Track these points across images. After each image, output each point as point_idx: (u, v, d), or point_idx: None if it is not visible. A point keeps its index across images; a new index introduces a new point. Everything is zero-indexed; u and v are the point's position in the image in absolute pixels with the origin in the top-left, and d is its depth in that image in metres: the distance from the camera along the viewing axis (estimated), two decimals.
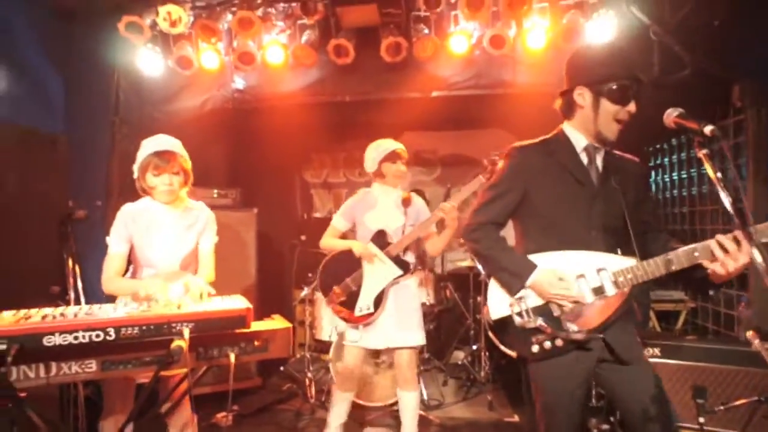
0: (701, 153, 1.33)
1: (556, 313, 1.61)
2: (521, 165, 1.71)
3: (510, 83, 3.54)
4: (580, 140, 1.69)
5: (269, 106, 3.77)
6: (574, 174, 1.65)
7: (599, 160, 1.70)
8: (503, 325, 1.69)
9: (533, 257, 1.66)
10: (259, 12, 3.30)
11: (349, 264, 2.71)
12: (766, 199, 3.14)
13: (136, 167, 2.15)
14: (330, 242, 2.78)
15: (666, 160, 4.36)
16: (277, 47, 3.36)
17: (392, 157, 2.69)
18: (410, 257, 2.72)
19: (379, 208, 2.74)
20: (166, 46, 3.46)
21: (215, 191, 3.82)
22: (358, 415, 3.30)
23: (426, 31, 3.32)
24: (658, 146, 4.47)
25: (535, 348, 1.61)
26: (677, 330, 3.65)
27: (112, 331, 1.58)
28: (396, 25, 3.30)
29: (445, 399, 3.63)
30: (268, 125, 4.15)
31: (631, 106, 1.58)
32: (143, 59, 3.48)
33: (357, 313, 2.63)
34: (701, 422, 2.59)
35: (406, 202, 2.70)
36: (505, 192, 1.72)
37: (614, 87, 1.57)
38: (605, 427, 3.03)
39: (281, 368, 4.00)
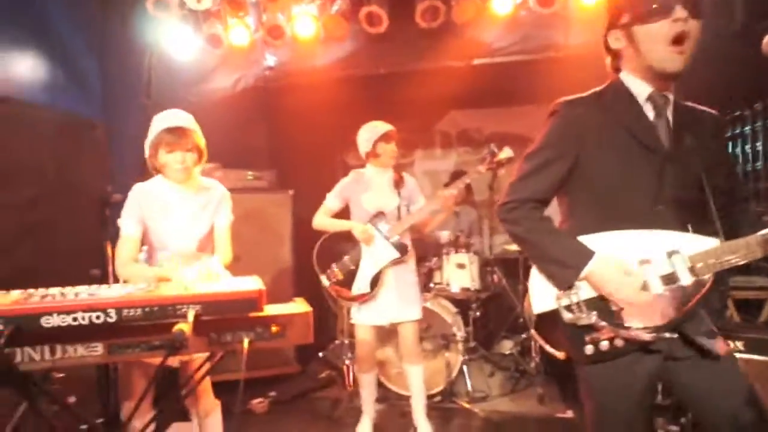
0: None
1: (616, 307, 1.31)
2: (571, 125, 1.38)
3: (562, 46, 3.19)
4: (642, 89, 1.36)
5: (302, 83, 3.61)
6: (638, 135, 1.33)
7: (669, 114, 1.35)
8: (549, 320, 1.39)
9: (585, 239, 1.35)
10: None
11: (346, 243, 2.74)
12: None
13: (147, 144, 2.05)
14: (325, 221, 2.77)
15: (748, 128, 3.84)
16: (307, 18, 3.19)
17: (386, 137, 2.71)
18: (406, 239, 2.75)
19: (374, 189, 2.76)
20: (197, 24, 3.37)
21: (250, 173, 3.73)
22: (399, 405, 3.14)
23: None
24: (737, 113, 3.94)
25: (589, 349, 1.32)
26: (762, 321, 3.20)
27: (113, 313, 1.46)
28: None
29: (492, 391, 3.38)
30: (303, 104, 4.00)
31: (678, 12, 1.22)
32: (174, 39, 3.41)
33: (354, 292, 2.66)
34: None
35: (399, 183, 2.76)
36: (551, 160, 1.39)
37: (636, 6, 1.28)
38: (674, 428, 2.69)
39: (320, 354, 3.89)
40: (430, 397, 3.09)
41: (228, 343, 1.64)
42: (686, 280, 1.27)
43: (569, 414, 3.01)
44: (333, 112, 4.26)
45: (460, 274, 3.57)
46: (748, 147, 3.83)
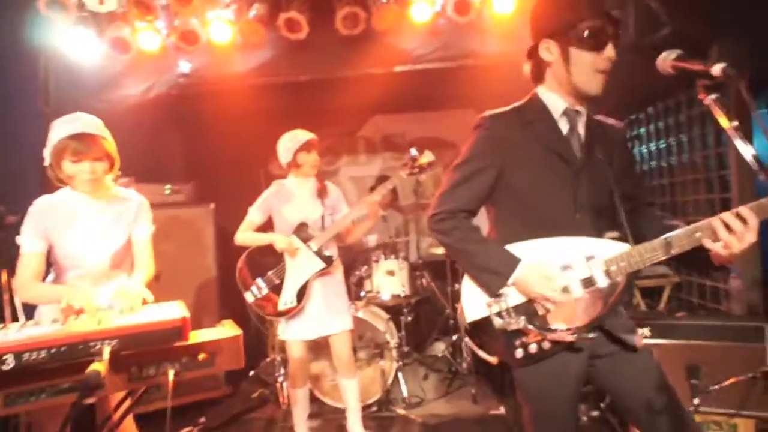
0: (709, 99, 1.13)
1: (542, 311, 1.39)
2: (495, 138, 1.44)
3: (478, 53, 3.29)
4: (557, 104, 1.44)
5: (219, 90, 3.44)
6: (555, 148, 1.42)
7: (581, 127, 1.45)
8: (481, 327, 1.44)
9: (512, 247, 1.42)
10: None
11: (270, 257, 2.66)
12: (749, 167, 3.00)
13: (47, 153, 1.82)
14: (248, 237, 2.68)
15: (642, 130, 4.22)
16: (222, 23, 3.05)
17: (307, 146, 2.66)
18: (332, 250, 2.72)
19: (296, 199, 2.70)
20: (99, 27, 3.10)
21: (167, 187, 3.50)
22: (335, 419, 3.08)
23: None
24: (633, 116, 4.31)
25: (520, 352, 1.39)
26: (663, 307, 3.52)
27: (10, 359, 1.29)
28: None
29: (427, 395, 3.43)
30: (221, 113, 3.82)
31: (609, 51, 1.34)
32: (74, 43, 3.12)
33: (281, 306, 2.58)
34: (696, 403, 2.46)
35: (321, 192, 2.71)
36: (477, 171, 1.45)
37: (583, 31, 1.32)
38: (594, 413, 2.89)
39: (251, 373, 3.74)
40: (366, 407, 3.08)
41: (151, 377, 1.51)
42: (602, 282, 1.36)
43: (501, 410, 3.12)
44: (253, 121, 4.12)
45: (390, 281, 3.58)
46: (644, 147, 4.21)
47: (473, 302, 1.46)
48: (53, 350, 1.33)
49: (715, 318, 2.60)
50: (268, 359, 3.72)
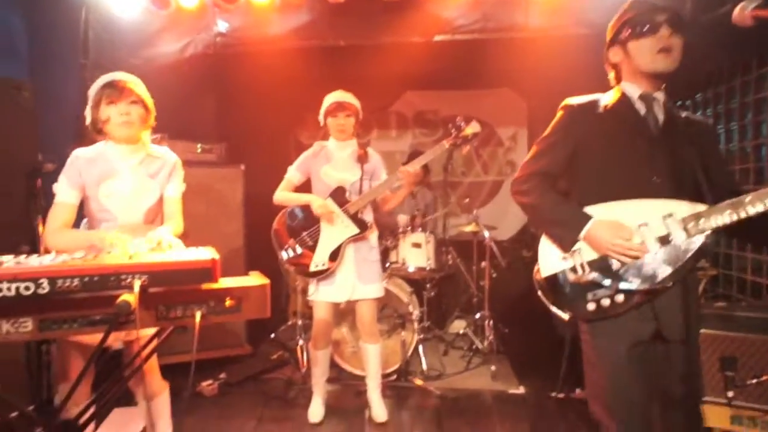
0: None
1: (615, 266, 1.45)
2: (573, 118, 1.61)
3: (522, 26, 3.17)
4: (634, 91, 1.57)
5: (255, 52, 3.41)
6: (629, 122, 1.54)
7: (659, 112, 1.55)
8: (555, 282, 1.54)
9: (587, 209, 1.52)
10: None
11: (306, 218, 2.65)
12: None
13: (88, 109, 1.88)
14: (285, 196, 2.66)
15: None
16: None
17: (332, 110, 2.63)
18: (368, 215, 2.69)
19: (336, 162, 2.66)
20: None
21: (199, 145, 3.52)
22: (353, 385, 3.09)
23: None
24: (680, 103, 4.12)
25: (592, 306, 1.45)
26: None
27: (45, 283, 1.30)
28: None
29: (446, 369, 3.40)
30: (255, 75, 3.80)
31: (663, 32, 1.46)
32: None
33: (312, 268, 2.57)
34: (730, 396, 2.36)
35: (362, 158, 2.65)
36: (557, 142, 1.62)
37: (633, 23, 1.51)
38: None
39: (272, 335, 3.77)
40: (385, 376, 3.07)
41: (178, 318, 1.51)
42: (680, 239, 1.41)
43: (521, 390, 3.08)
44: (287, 86, 4.09)
45: (416, 253, 3.54)
46: None
47: (548, 258, 1.56)
48: (86, 278, 1.33)
49: (756, 310, 2.49)
50: (289, 323, 3.74)
